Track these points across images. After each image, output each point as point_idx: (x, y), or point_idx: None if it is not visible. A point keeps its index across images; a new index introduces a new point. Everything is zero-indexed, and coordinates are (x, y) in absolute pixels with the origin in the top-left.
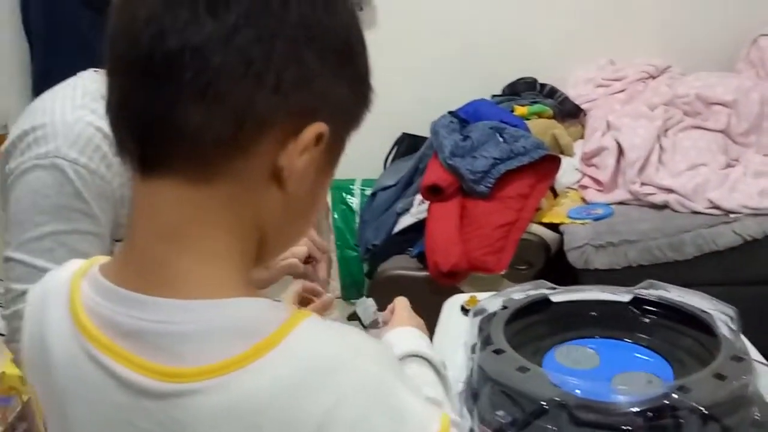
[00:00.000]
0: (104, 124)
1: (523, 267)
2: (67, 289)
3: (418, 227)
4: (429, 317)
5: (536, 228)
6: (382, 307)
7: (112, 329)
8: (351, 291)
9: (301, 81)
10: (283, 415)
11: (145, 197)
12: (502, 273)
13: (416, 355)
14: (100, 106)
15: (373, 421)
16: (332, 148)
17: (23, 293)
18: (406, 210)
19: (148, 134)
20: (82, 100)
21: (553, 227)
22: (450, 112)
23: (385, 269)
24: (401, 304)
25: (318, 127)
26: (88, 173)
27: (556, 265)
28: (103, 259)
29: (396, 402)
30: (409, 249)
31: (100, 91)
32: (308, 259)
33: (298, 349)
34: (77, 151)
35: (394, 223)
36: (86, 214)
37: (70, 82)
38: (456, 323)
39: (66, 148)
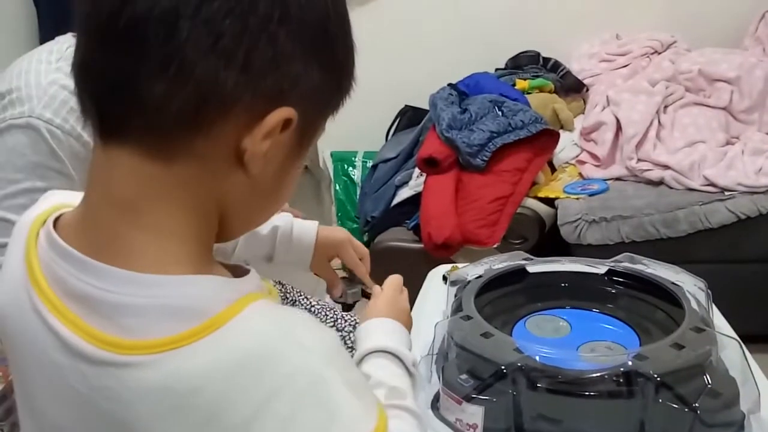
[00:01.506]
0: None
1: (518, 241)
2: (26, 236)
3: (417, 200)
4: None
5: (532, 202)
6: (379, 280)
7: (62, 288)
8: None
9: (271, 62)
10: (215, 401)
11: (102, 164)
12: (495, 246)
13: (386, 351)
14: None
15: (304, 415)
16: (303, 134)
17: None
18: (405, 182)
19: (107, 101)
20: (57, 63)
21: (549, 202)
22: (450, 85)
23: (381, 241)
24: (389, 286)
25: (285, 112)
26: (63, 133)
27: (550, 240)
28: (64, 207)
29: (330, 399)
30: (407, 221)
31: None
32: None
33: (237, 335)
34: (51, 111)
35: (393, 195)
36: (61, 172)
37: (47, 46)
38: (437, 292)
39: (40, 108)
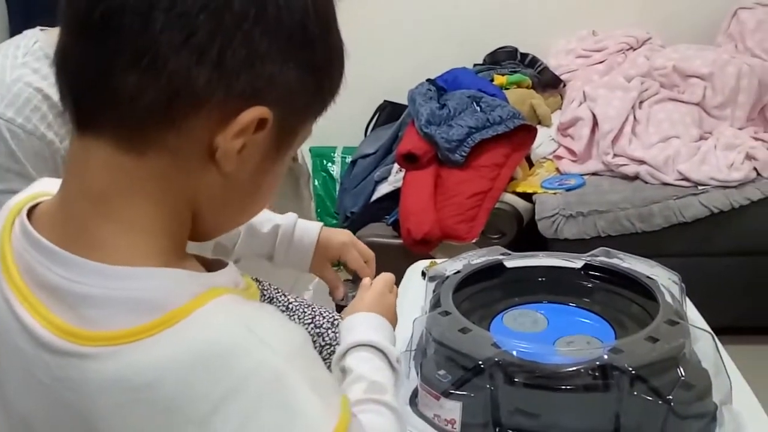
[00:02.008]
0: (45, 85)
1: (496, 236)
2: (2, 225)
3: (396, 195)
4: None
5: (509, 197)
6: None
7: (33, 278)
8: None
9: (245, 60)
10: (172, 395)
11: (77, 154)
12: (474, 241)
13: (370, 345)
14: (43, 66)
15: (263, 414)
16: (281, 135)
17: None
18: (384, 178)
19: (82, 92)
20: (23, 59)
21: (527, 197)
22: (428, 80)
23: (361, 236)
24: (378, 281)
25: (258, 112)
26: (24, 133)
27: (528, 235)
28: (43, 196)
29: (290, 398)
30: (386, 217)
31: (43, 50)
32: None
33: (197, 329)
34: (14, 110)
35: (372, 191)
36: (20, 174)
37: (14, 40)
38: (416, 287)
39: (2, 107)
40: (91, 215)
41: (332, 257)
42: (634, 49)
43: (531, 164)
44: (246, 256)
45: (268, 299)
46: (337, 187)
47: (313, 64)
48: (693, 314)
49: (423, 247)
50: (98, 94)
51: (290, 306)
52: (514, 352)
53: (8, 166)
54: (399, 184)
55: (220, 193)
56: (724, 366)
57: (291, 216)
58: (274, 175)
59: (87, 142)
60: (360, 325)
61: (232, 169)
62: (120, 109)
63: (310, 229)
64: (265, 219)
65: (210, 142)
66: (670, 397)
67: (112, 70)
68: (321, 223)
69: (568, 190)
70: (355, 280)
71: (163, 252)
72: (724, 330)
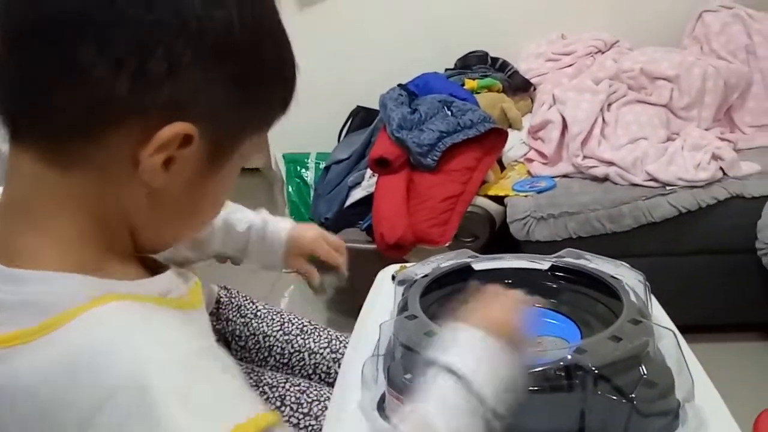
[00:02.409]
0: None
1: (469, 239)
2: None
3: (370, 200)
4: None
5: (482, 201)
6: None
7: None
8: None
9: (166, 74)
10: (50, 401)
11: (10, 163)
12: (447, 245)
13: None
14: None
15: (130, 430)
16: (215, 150)
17: None
18: (358, 183)
19: (12, 103)
20: None
21: (499, 200)
22: (399, 85)
23: None
24: (491, 294)
25: (180, 127)
26: None
27: (501, 238)
28: None
29: (155, 413)
30: (360, 222)
31: None
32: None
33: (75, 335)
34: None
35: (346, 196)
36: None
37: None
38: (386, 292)
39: None
40: (16, 224)
41: (305, 253)
42: (603, 52)
43: (503, 167)
44: (227, 255)
45: (236, 307)
46: (311, 193)
47: (241, 78)
48: (658, 313)
49: (396, 252)
50: (24, 107)
51: (258, 313)
52: None
53: None
54: (372, 189)
55: (151, 207)
56: (686, 364)
57: (262, 215)
58: (215, 190)
59: (17, 153)
60: (456, 345)
61: (160, 184)
62: (43, 123)
63: (280, 227)
64: (242, 218)
65: (134, 157)
66: (633, 395)
67: (37, 84)
68: (290, 222)
69: (539, 192)
70: (327, 266)
71: (82, 262)
72: (695, 328)
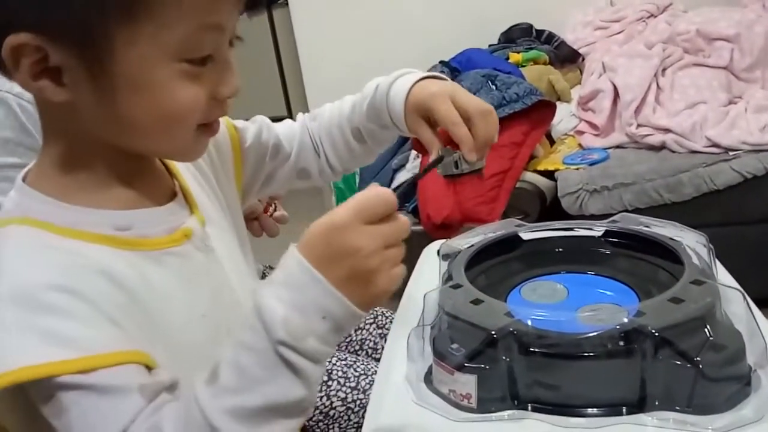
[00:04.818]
0: None
1: (519, 216)
2: None
3: (415, 182)
4: None
5: (531, 176)
6: None
7: None
8: None
9: None
10: None
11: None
12: None
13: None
14: None
15: None
16: (86, 53)
17: None
18: (402, 165)
19: None
20: None
21: (549, 175)
22: (441, 62)
23: None
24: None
25: (12, 40)
26: (33, 107)
27: (552, 214)
28: None
29: None
30: (405, 204)
31: None
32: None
33: None
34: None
35: (391, 179)
36: (32, 148)
37: None
38: (432, 266)
39: (9, 84)
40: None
41: (422, 111)
42: (655, 16)
43: (552, 142)
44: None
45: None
46: (357, 179)
47: None
48: (724, 276)
49: (444, 232)
50: None
51: None
52: (529, 321)
53: (21, 140)
54: (417, 170)
55: (90, 120)
56: (758, 326)
57: (395, 73)
58: (137, 91)
59: None
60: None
61: (65, 98)
62: None
63: (408, 81)
64: (372, 84)
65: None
66: (698, 359)
67: None
68: (420, 73)
69: (592, 164)
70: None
71: (58, 186)
72: (764, 302)
